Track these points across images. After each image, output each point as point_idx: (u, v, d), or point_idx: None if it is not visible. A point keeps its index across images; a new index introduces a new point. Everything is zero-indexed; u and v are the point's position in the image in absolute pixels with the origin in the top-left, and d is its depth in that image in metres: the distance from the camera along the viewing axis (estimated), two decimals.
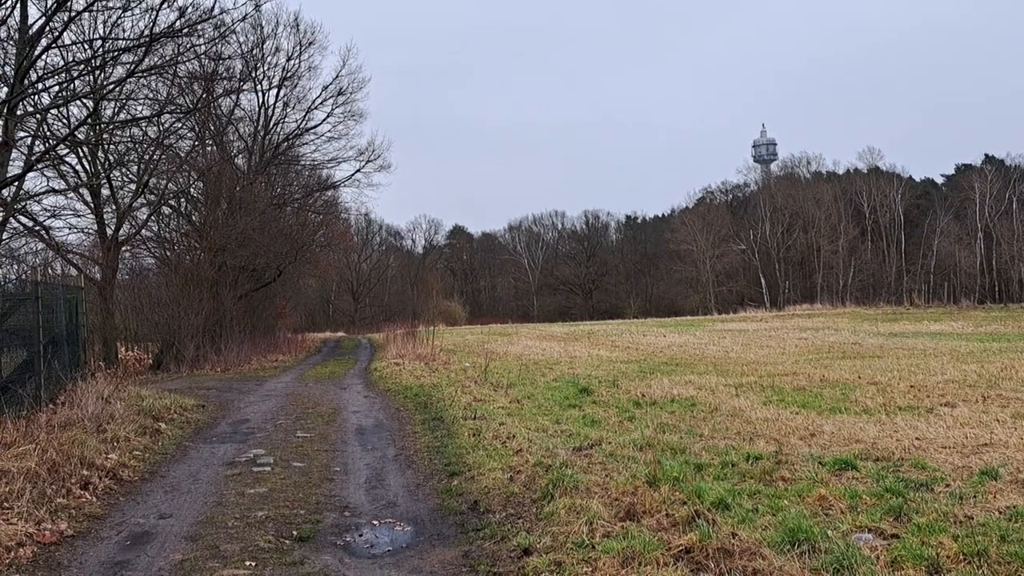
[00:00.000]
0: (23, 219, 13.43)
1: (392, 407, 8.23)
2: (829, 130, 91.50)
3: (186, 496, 4.85)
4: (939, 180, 47.22)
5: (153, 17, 7.46)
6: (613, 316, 40.09)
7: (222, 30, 9.25)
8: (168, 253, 18.10)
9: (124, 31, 8.11)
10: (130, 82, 9.20)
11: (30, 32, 7.18)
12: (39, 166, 10.33)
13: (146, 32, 7.21)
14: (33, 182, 18.97)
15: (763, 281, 44.32)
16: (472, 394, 7.88)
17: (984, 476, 4.26)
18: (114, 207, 15.75)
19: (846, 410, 6.60)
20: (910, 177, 45.28)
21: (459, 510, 4.41)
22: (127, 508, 4.60)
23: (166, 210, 17.94)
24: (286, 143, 22.32)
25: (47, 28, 7.16)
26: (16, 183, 8.77)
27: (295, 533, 4.04)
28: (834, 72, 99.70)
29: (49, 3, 7.09)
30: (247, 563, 3.60)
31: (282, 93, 21.64)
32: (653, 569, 3.17)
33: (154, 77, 10.24)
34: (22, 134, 9.80)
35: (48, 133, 11.56)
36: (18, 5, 7.21)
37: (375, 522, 4.29)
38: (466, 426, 6.51)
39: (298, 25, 25.18)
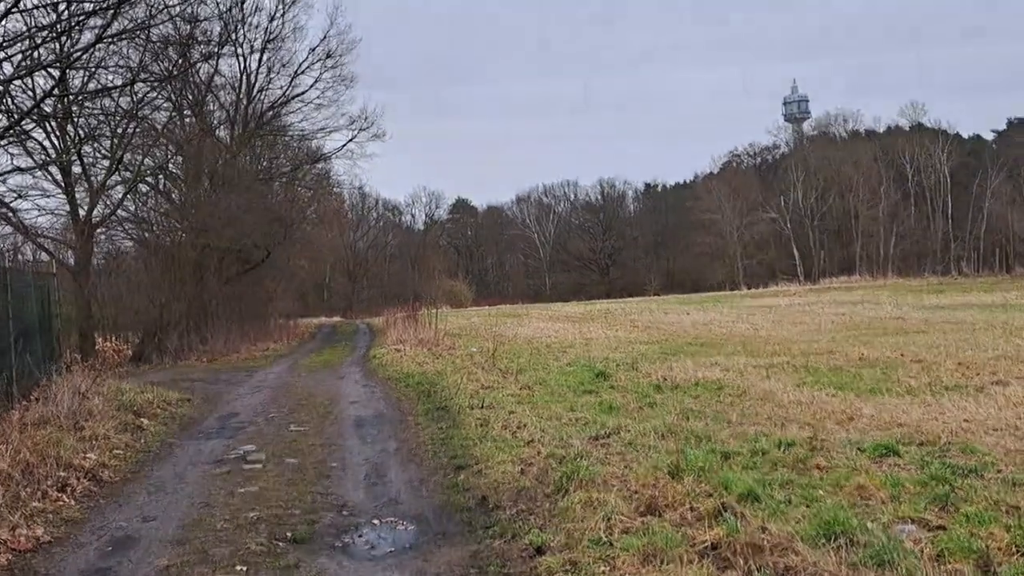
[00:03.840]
0: None
1: (393, 397, 8.27)
2: (867, 84, 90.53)
3: (171, 497, 4.90)
4: (989, 137, 46.86)
5: None
6: (632, 293, 39.99)
7: None
8: (147, 235, 18.14)
9: None
10: (99, 48, 9.17)
11: None
12: (2, 142, 10.36)
13: None
14: None
15: (796, 252, 44.12)
16: (479, 381, 7.90)
17: None
18: (86, 186, 15.78)
19: (887, 391, 6.59)
20: (957, 134, 44.93)
21: (466, 506, 4.43)
22: (108, 511, 4.65)
23: (143, 188, 17.97)
24: (271, 112, 22.25)
25: None
26: None
27: (289, 535, 4.07)
28: (871, 18, 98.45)
29: None
30: (238, 568, 3.64)
31: (265, 57, 21.53)
32: (676, 567, 3.19)
33: (125, 42, 10.21)
34: None
35: (11, 107, 11.57)
36: None
37: (376, 521, 4.32)
38: (473, 416, 6.54)
39: None
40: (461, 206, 60.28)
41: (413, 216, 59.05)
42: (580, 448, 5.25)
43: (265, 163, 22.93)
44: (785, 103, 62.65)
